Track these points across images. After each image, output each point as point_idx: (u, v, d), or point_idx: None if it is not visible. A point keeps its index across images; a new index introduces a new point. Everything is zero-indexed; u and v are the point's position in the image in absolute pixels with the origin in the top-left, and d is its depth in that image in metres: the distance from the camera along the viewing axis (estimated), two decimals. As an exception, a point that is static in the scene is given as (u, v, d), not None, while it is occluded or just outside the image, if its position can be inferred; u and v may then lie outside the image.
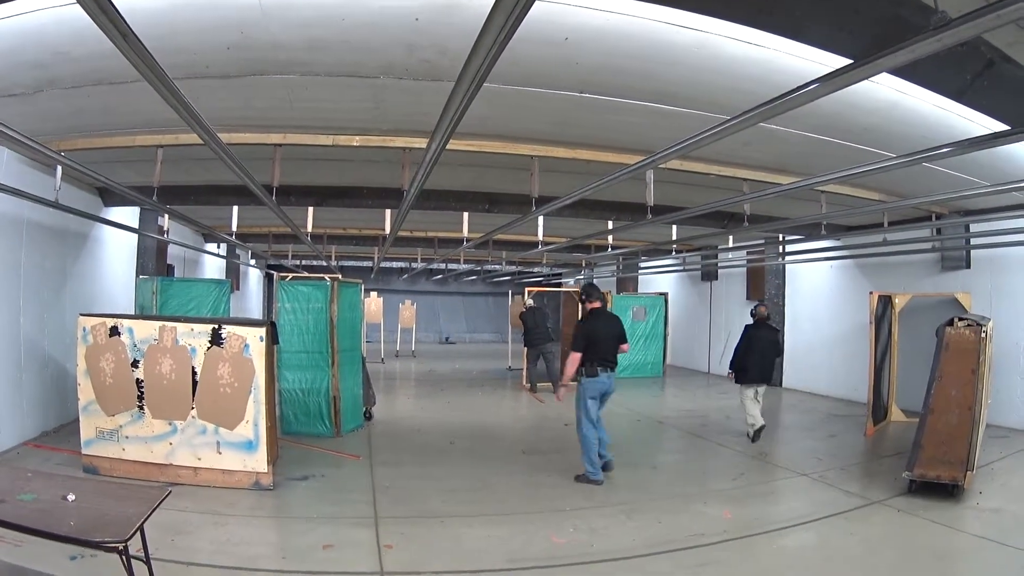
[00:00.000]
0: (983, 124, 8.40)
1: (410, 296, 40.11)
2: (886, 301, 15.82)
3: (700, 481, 11.72)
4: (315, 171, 12.80)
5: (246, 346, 10.04)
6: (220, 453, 10.05)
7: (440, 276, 41.92)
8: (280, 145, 10.26)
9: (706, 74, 7.53)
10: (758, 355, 14.38)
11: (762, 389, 14.47)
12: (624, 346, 11.61)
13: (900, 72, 6.82)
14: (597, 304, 11.74)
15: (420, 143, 9.69)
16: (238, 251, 29.28)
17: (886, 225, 14.43)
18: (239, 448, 10.03)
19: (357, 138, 10.19)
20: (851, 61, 4.87)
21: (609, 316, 11.98)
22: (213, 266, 26.82)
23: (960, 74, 6.81)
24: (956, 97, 7.50)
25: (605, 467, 11.33)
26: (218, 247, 26.28)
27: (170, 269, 20.78)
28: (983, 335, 10.53)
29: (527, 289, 23.87)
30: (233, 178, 9.53)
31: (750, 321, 14.92)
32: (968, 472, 9.94)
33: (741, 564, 7.87)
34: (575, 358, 11.11)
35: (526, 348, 22.87)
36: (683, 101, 8.41)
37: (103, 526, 5.40)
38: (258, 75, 7.76)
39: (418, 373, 28.04)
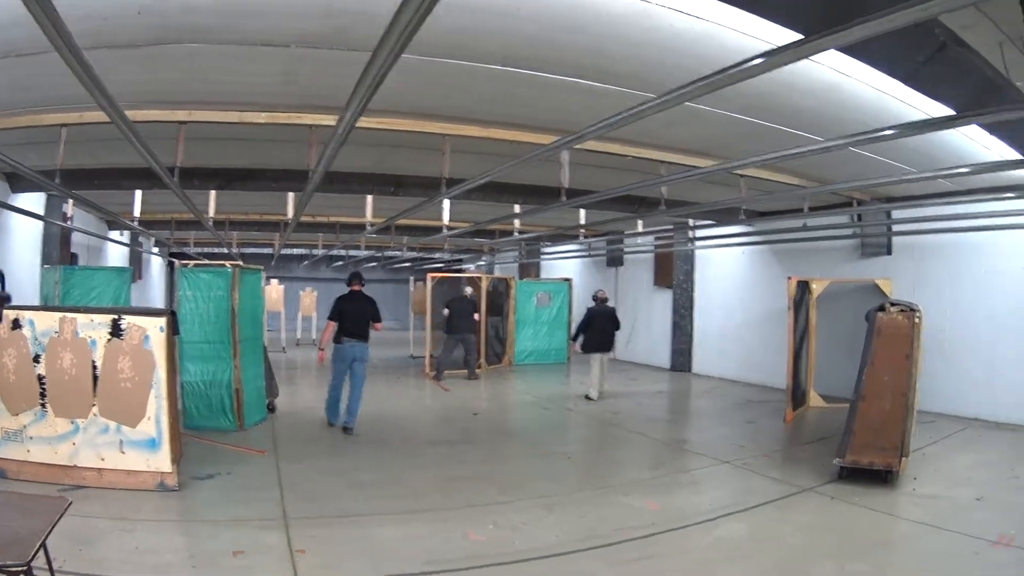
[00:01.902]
0: (923, 109, 8.24)
1: (311, 283, 39.37)
2: (804, 287, 15.81)
3: (619, 471, 11.43)
4: (220, 152, 12.35)
5: (146, 337, 9.44)
6: (123, 453, 9.46)
7: (341, 263, 41.51)
8: (185, 123, 9.76)
9: (647, 49, 7.21)
10: (598, 331, 18.07)
11: (606, 356, 18.23)
12: (377, 324, 14.08)
13: (852, 51, 6.55)
14: (357, 287, 14.19)
15: (328, 120, 9.34)
16: (141, 239, 28.50)
17: (806, 210, 14.47)
18: (142, 447, 9.46)
19: (264, 115, 9.71)
20: (801, 36, 4.62)
21: (364, 298, 14.12)
22: (116, 254, 26.09)
23: (913, 55, 6.58)
24: (907, 80, 7.28)
25: (345, 427, 13.65)
26: (120, 234, 25.56)
27: (74, 258, 20.10)
28: (916, 320, 10.50)
29: (429, 275, 23.73)
30: (138, 160, 9.07)
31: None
32: (903, 458, 9.95)
33: (675, 558, 7.61)
34: (330, 327, 14.00)
35: (447, 335, 22.49)
36: (617, 78, 8.10)
37: (6, 546, 4.91)
38: (167, 44, 7.28)
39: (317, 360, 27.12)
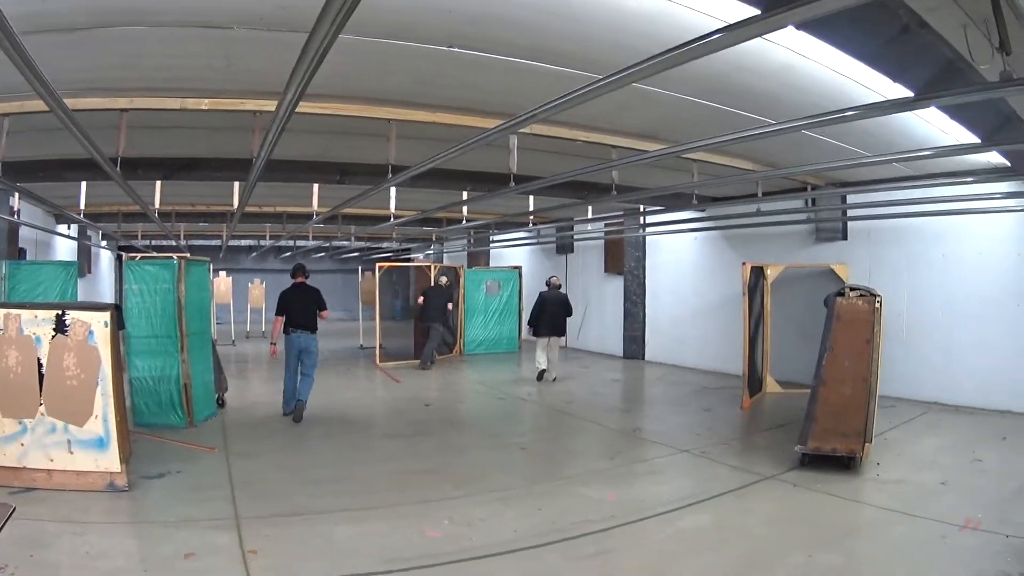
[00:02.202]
0: (881, 92, 8.14)
1: (259, 275, 38.93)
2: (758, 272, 15.81)
3: (576, 461, 11.29)
4: (164, 141, 11.99)
5: (91, 333, 9.22)
6: (72, 453, 9.20)
7: (289, 253, 41.22)
8: (126, 110, 9.40)
9: (597, 28, 7.02)
10: (548, 315, 18.85)
11: (555, 340, 19.16)
12: (324, 313, 14.57)
13: (813, 28, 6.38)
14: (300, 279, 14.70)
15: (272, 106, 8.95)
16: (89, 232, 27.75)
17: (760, 195, 14.45)
18: (90, 447, 9.21)
19: (207, 101, 9.38)
20: (758, 12, 4.47)
21: (308, 288, 14.62)
22: (65, 248, 25.43)
23: (876, 36, 6.47)
24: (869, 61, 7.17)
25: (296, 414, 13.96)
26: (68, 228, 24.95)
27: (22, 252, 19.56)
28: (877, 305, 10.46)
29: (377, 264, 23.74)
30: (81, 151, 8.75)
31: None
32: (866, 444, 9.91)
33: (636, 551, 7.51)
34: (278, 321, 14.39)
35: (422, 323, 22.99)
36: (567, 59, 7.91)
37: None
38: (106, 27, 7.00)
39: (268, 354, 26.78)
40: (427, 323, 22.44)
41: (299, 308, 14.31)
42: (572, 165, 11.40)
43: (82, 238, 26.27)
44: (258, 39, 7.34)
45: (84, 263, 25.42)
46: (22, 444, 9.21)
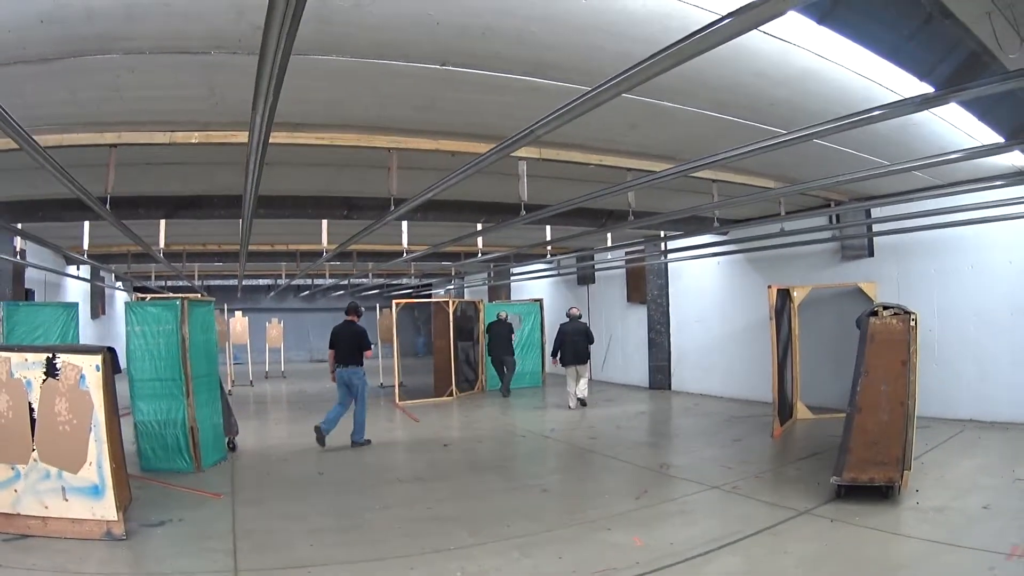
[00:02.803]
0: (902, 93, 7.67)
1: (279, 314, 38.83)
2: (784, 295, 15.36)
3: (600, 503, 10.58)
4: (161, 178, 11.69)
5: (82, 377, 8.86)
6: (67, 500, 8.85)
7: (307, 292, 41.17)
8: (115, 146, 9.13)
9: (593, 35, 6.61)
10: (570, 344, 19.89)
11: (582, 368, 20.10)
12: (367, 352, 15.70)
13: (834, 22, 5.94)
14: (351, 317, 16.02)
15: (272, 137, 8.66)
16: (102, 273, 27.52)
17: (783, 213, 13.95)
18: (85, 494, 8.84)
19: (196, 135, 9.09)
20: None
21: (354, 327, 15.83)
22: (77, 290, 25.43)
23: (898, 28, 6.08)
24: (892, 56, 6.76)
25: (353, 442, 15.30)
26: (77, 269, 24.67)
27: (30, 294, 19.70)
28: (912, 323, 9.88)
29: (394, 301, 23.30)
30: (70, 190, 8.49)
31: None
32: (905, 471, 9.40)
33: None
34: (330, 354, 15.87)
35: (490, 357, 24.48)
36: (563, 73, 7.52)
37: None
38: (78, 56, 6.73)
39: (287, 395, 26.98)
40: (499, 356, 23.88)
41: (344, 345, 15.57)
42: (585, 191, 10.97)
43: (95, 279, 26.10)
44: (239, 65, 6.92)
45: (98, 304, 25.28)
46: (15, 490, 8.93)
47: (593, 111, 5.74)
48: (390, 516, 10.02)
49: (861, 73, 7.54)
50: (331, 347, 15.80)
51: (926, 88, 7.31)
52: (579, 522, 9.46)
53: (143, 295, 14.22)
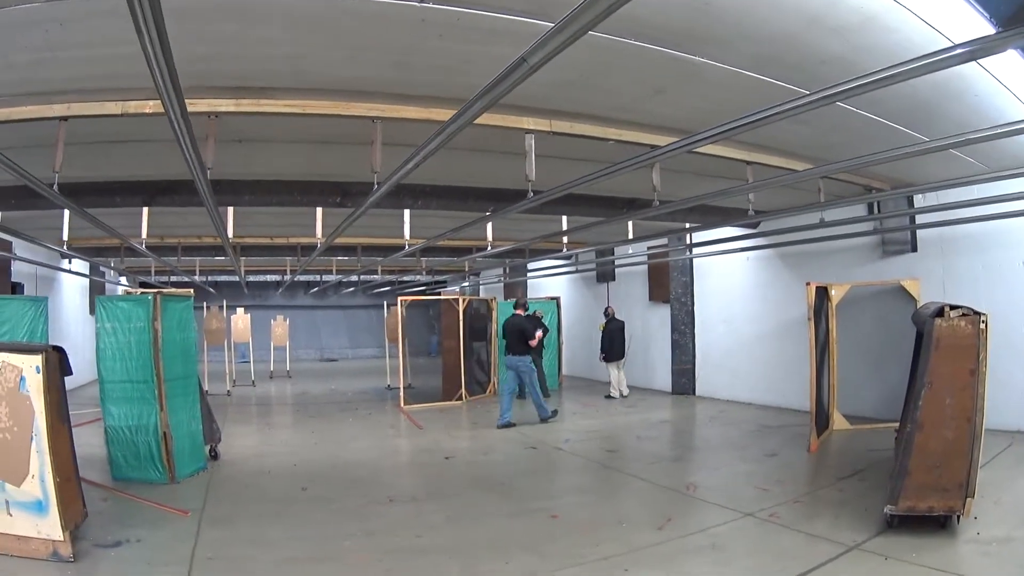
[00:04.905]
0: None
1: (289, 311, 38.35)
2: (822, 293, 14.24)
3: (616, 533, 9.27)
4: (134, 160, 10.73)
5: (22, 379, 8.04)
6: (11, 515, 8.13)
7: (316, 288, 40.49)
8: (65, 118, 8.11)
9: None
10: (616, 342, 22.54)
11: (622, 362, 22.79)
12: (532, 341, 18.30)
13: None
14: (519, 311, 19.19)
15: (228, 105, 7.83)
16: (102, 268, 26.78)
17: (822, 199, 12.65)
18: (30, 510, 8.09)
19: (150, 103, 7.84)
20: None
21: (518, 318, 18.85)
22: (75, 284, 24.98)
23: None
24: None
25: (542, 419, 18.25)
26: (69, 263, 23.80)
27: (18, 287, 19.29)
28: (982, 326, 8.64)
29: (399, 298, 22.41)
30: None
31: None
32: (968, 499, 8.22)
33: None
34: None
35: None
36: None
37: None
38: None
39: (290, 396, 26.22)
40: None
41: (512, 335, 18.47)
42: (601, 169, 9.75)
43: (94, 274, 25.35)
44: (182, 7, 5.82)
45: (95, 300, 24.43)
46: (-45, 503, 8.18)
47: (614, 71, 4.53)
48: (372, 545, 8.83)
49: (931, 23, 6.34)
50: (502, 337, 19.10)
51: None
52: (591, 559, 8.15)
53: (147, 291, 13.25)
